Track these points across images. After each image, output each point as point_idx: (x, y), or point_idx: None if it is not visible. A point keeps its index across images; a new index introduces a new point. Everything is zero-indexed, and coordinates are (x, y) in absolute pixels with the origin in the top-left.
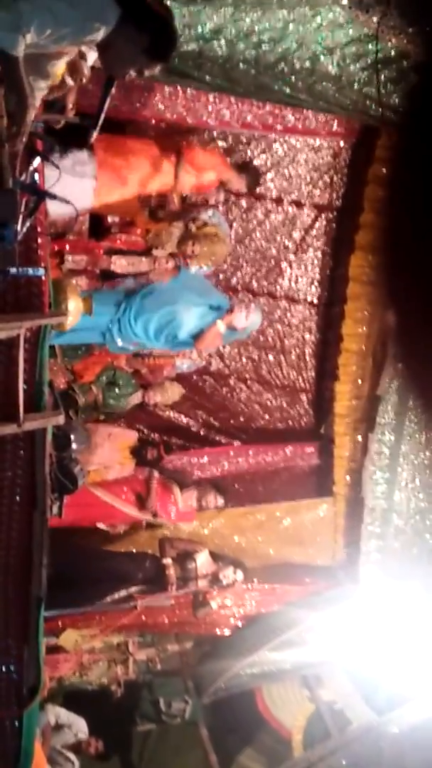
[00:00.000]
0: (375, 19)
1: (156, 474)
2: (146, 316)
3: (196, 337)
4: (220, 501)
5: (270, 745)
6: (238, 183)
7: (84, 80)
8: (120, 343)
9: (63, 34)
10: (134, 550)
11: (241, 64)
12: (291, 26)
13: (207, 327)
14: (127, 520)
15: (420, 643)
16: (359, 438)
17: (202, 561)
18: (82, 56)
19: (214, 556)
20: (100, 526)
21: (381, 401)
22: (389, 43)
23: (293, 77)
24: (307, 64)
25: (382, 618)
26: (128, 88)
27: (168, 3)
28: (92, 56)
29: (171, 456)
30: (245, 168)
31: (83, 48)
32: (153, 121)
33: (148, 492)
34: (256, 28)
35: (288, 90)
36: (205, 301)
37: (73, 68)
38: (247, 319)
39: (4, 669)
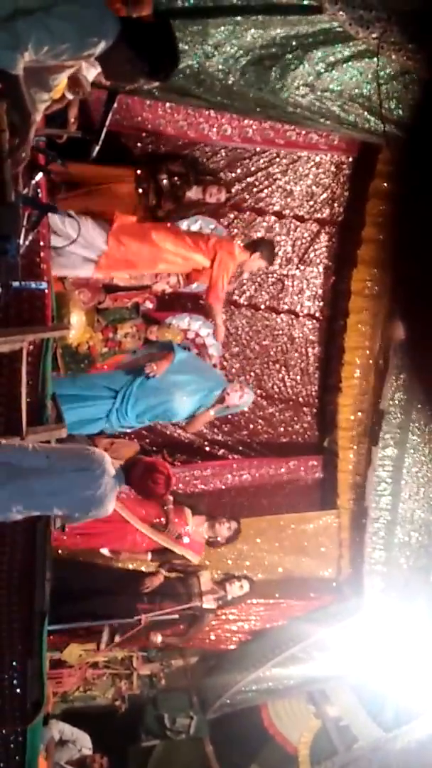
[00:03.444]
0: (375, 35)
1: (170, 498)
2: (142, 415)
3: (187, 421)
4: (234, 525)
5: (276, 761)
6: (258, 263)
7: (84, 94)
8: (117, 427)
9: (61, 49)
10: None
11: (242, 81)
12: (292, 43)
13: (199, 413)
14: (134, 547)
15: (426, 659)
16: (363, 451)
17: (206, 578)
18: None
19: (219, 569)
20: (104, 552)
21: (385, 415)
22: (390, 59)
23: (294, 94)
24: (309, 80)
25: (388, 633)
26: (130, 103)
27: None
28: (93, 72)
29: (174, 469)
30: (258, 244)
31: (84, 63)
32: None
33: (166, 516)
34: (257, 45)
35: (290, 108)
36: (200, 387)
37: (73, 82)
38: (241, 399)
39: (7, 684)
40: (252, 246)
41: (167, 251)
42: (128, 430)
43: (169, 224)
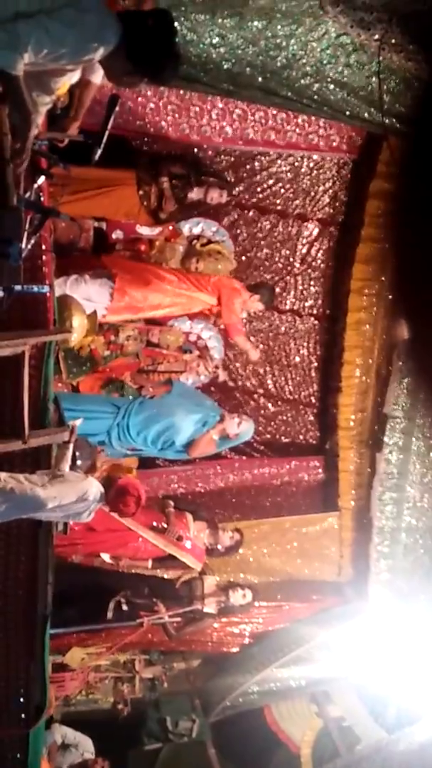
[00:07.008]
0: (376, 37)
1: (171, 502)
2: (144, 431)
3: (189, 445)
4: (237, 536)
5: (279, 761)
6: (256, 305)
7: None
8: (118, 447)
9: (61, 53)
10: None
11: (247, 70)
12: (296, 34)
13: (200, 436)
14: (135, 554)
15: (429, 660)
16: (364, 450)
17: (210, 582)
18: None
19: (222, 573)
20: (105, 558)
21: (388, 420)
22: (391, 60)
23: (298, 83)
24: (312, 70)
25: (391, 635)
26: (132, 107)
27: (175, 13)
28: (99, 73)
29: (175, 468)
30: (259, 287)
31: (86, 66)
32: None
33: (167, 519)
34: (262, 35)
35: (293, 95)
36: (201, 408)
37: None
38: (240, 426)
39: (10, 687)
40: (254, 288)
41: (168, 292)
42: (130, 453)
43: (169, 267)
